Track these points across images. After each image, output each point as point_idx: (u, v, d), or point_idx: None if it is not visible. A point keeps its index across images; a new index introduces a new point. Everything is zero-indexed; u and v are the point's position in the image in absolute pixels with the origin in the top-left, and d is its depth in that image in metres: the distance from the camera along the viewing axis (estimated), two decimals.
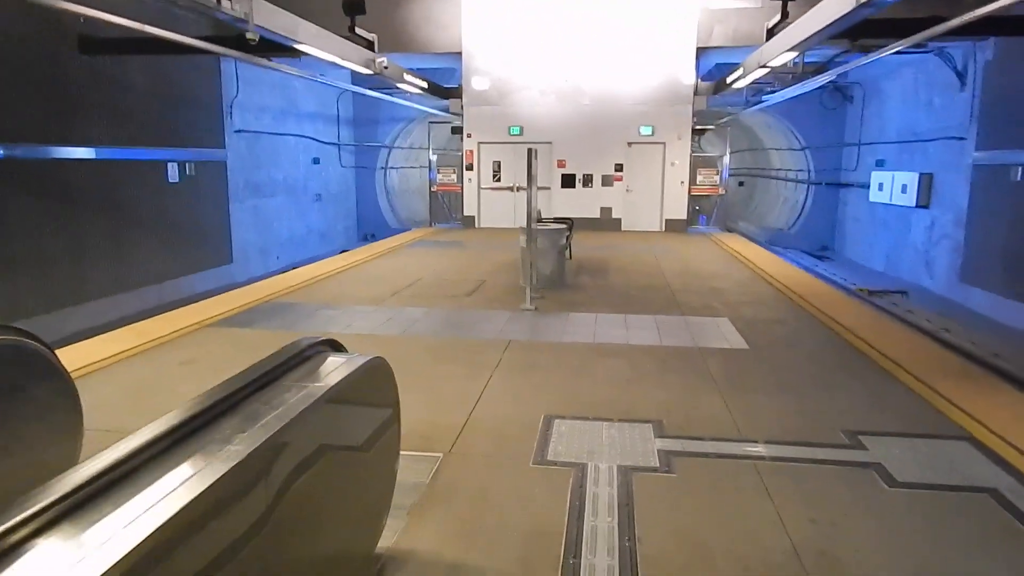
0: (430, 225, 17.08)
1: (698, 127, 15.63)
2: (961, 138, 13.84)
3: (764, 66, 10.73)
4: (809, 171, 22.60)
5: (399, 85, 13.42)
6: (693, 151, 15.55)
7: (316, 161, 21.07)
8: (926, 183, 15.52)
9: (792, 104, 20.47)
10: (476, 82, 15.59)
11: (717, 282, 9.09)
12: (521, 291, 8.03)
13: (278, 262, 18.95)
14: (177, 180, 14.45)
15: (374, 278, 9.37)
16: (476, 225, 16.26)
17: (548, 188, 15.61)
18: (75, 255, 11.77)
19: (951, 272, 14.10)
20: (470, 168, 16.10)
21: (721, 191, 15.63)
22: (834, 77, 16.62)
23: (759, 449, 3.73)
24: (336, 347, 2.45)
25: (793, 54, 9.57)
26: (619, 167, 15.57)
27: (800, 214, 23.19)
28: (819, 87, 18.87)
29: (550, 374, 5.14)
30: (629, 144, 15.52)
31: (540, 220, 9.19)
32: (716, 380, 4.99)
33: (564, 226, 8.94)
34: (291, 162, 19.52)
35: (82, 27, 11.70)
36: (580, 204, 15.49)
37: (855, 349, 5.87)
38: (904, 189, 16.21)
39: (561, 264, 8.74)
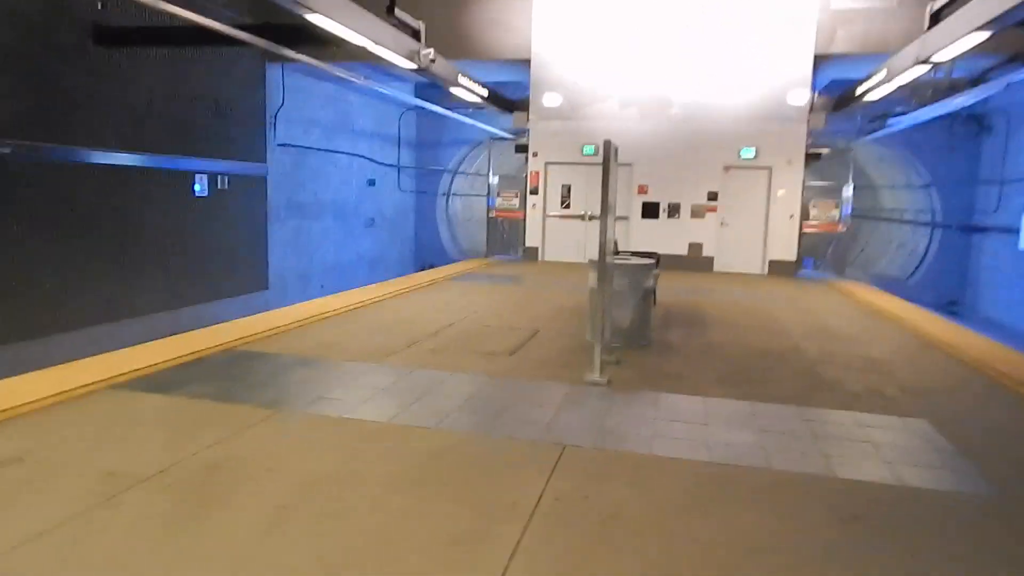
0: (486, 256, 14.85)
1: (813, 150, 12.87)
2: None
3: (926, 61, 8.04)
4: (933, 212, 19.24)
5: (452, 90, 11.38)
6: (806, 179, 12.78)
7: (372, 183, 19.36)
8: None
9: (915, 134, 17.41)
10: (546, 92, 13.42)
11: (871, 350, 6.36)
12: (587, 349, 5.59)
13: (322, 291, 17.15)
14: (206, 194, 12.79)
15: (395, 319, 7.12)
16: (539, 258, 13.93)
17: (626, 218, 13.15)
18: (71, 274, 10.10)
19: None
20: (535, 192, 13.86)
21: (840, 228, 12.74)
22: (974, 101, 13.69)
23: None
24: None
25: (982, 36, 6.87)
26: (713, 196, 12.96)
27: (921, 261, 19.76)
28: (949, 115, 15.85)
29: (639, 544, 2.65)
30: (726, 169, 12.92)
31: (617, 253, 6.75)
32: None
33: (650, 262, 6.47)
34: (342, 182, 17.83)
35: (98, 15, 10.26)
36: (664, 238, 12.92)
37: None
38: None
39: (645, 314, 6.25)
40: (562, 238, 13.82)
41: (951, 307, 18.45)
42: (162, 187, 11.68)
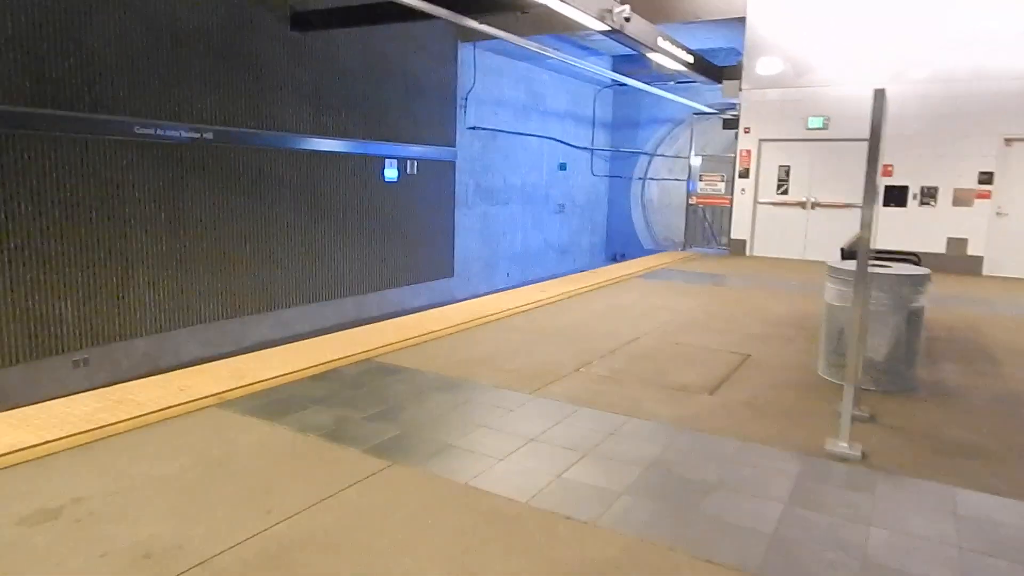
0: (683, 248, 13.17)
1: None
2: None
3: None
4: None
5: (651, 56, 9.88)
6: None
7: (563, 167, 18.44)
8: None
9: None
10: (762, 56, 11.35)
11: None
12: (821, 390, 4.00)
13: (508, 279, 16.64)
14: (395, 179, 12.64)
15: (568, 327, 5.97)
16: (747, 252, 11.98)
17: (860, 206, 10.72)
18: (261, 255, 10.34)
19: None
20: (745, 175, 11.89)
21: None
22: None
23: None
24: None
25: None
26: (986, 178, 10.10)
27: None
28: None
29: None
30: (1007, 142, 9.97)
31: (851, 255, 4.93)
32: None
33: (924, 271, 4.59)
34: (532, 166, 17.08)
35: (296, 1, 10.28)
36: (913, 232, 10.36)
37: None
38: None
39: (910, 344, 4.42)
40: (777, 229, 11.72)
41: None
42: (353, 172, 11.65)
